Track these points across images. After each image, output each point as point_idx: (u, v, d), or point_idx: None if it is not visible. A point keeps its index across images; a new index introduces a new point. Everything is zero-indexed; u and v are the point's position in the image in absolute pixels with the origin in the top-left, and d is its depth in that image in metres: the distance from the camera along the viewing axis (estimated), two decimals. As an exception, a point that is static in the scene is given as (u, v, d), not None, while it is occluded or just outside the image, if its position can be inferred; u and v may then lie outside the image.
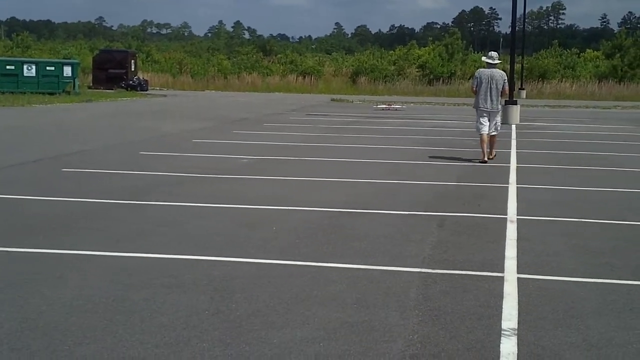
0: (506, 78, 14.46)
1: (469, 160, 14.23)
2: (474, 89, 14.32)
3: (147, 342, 4.58)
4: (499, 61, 14.79)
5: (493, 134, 14.35)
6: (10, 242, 7.09)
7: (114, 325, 4.87)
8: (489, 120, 14.18)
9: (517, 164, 13.82)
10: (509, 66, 26.09)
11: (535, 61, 56.37)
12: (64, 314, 5.06)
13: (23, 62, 36.71)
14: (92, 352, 4.41)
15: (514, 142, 17.90)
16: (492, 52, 14.80)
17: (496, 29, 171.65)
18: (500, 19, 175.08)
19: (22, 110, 26.69)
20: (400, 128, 22.19)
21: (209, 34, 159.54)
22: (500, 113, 14.60)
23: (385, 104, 34.11)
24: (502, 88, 14.15)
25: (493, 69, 14.20)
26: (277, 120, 24.38)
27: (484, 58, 14.73)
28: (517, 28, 26.51)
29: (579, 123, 25.73)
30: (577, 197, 10.46)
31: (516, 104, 24.83)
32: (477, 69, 15.49)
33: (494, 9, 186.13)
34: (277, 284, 5.88)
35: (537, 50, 70.70)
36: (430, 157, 14.86)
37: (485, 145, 14.17)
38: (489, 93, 14.05)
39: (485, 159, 14.09)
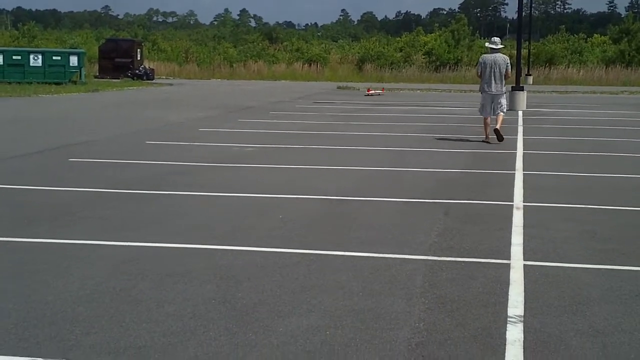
0: (509, 62, 15.15)
1: (475, 142, 14.21)
2: (479, 73, 15.17)
3: (154, 331, 4.60)
4: (502, 46, 15.50)
5: (500, 114, 15.00)
6: (17, 232, 7.12)
7: (120, 314, 4.89)
8: (492, 103, 15.00)
9: (523, 150, 13.79)
10: (515, 52, 25.97)
11: (542, 47, 56.14)
12: (71, 304, 5.08)
13: (29, 52, 36.75)
14: (99, 341, 4.43)
15: (520, 129, 17.85)
16: (495, 38, 15.62)
17: (503, 14, 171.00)
18: (506, 4, 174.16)
19: (29, 100, 26.73)
20: (407, 115, 22.16)
21: (215, 22, 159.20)
22: (505, 95, 15.33)
23: (369, 90, 34.15)
24: (505, 71, 14.90)
25: (496, 54, 15.02)
26: (283, 109, 24.36)
27: (487, 44, 15.71)
28: (523, 13, 26.37)
29: (586, 109, 25.64)
30: (584, 184, 10.44)
31: (523, 90, 24.74)
32: (481, 54, 16.12)
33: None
34: (283, 272, 5.89)
35: (544, 36, 70.44)
36: (436, 144, 14.84)
37: (488, 128, 14.99)
38: (492, 77, 14.86)
39: (488, 138, 14.91)
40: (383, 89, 35.55)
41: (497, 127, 14.80)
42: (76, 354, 4.24)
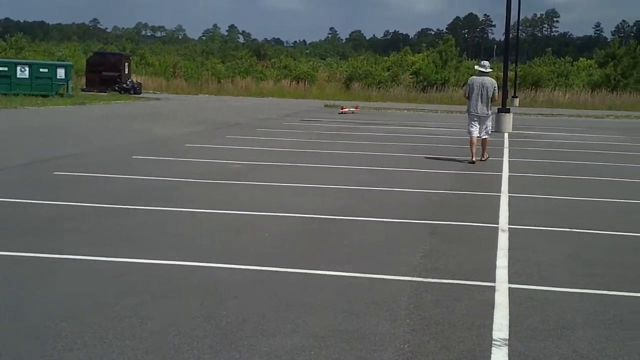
0: (496, 85, 15.62)
1: (461, 163, 14.26)
2: (466, 95, 15.55)
3: (138, 349, 4.57)
4: (491, 70, 16.02)
5: (484, 137, 15.54)
6: (0, 244, 7.06)
7: (104, 330, 4.85)
8: (479, 124, 15.44)
9: (509, 172, 13.85)
10: (502, 74, 26.13)
11: (529, 69, 56.59)
12: (54, 319, 5.04)
13: (16, 64, 36.63)
14: (82, 357, 4.40)
15: (506, 151, 17.93)
16: (485, 62, 16.12)
17: (490, 35, 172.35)
18: (494, 25, 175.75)
19: (15, 112, 26.63)
20: (394, 135, 22.21)
21: (204, 38, 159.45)
22: (490, 118, 15.77)
23: (342, 108, 34.57)
24: (492, 95, 15.36)
25: (484, 77, 15.44)
26: (270, 126, 24.38)
27: (476, 67, 16.02)
28: (510, 35, 26.57)
29: (572, 132, 25.80)
30: (570, 207, 10.48)
31: (509, 112, 24.88)
32: (470, 76, 16.49)
33: (488, 15, 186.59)
34: (267, 290, 5.87)
35: (531, 58, 70.99)
36: (423, 164, 14.88)
37: (474, 148, 15.31)
38: (479, 99, 15.27)
39: (474, 159, 15.20)
40: (357, 107, 35.75)
41: (482, 157, 15.48)
42: (58, 371, 4.21)
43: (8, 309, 5.22)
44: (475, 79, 15.50)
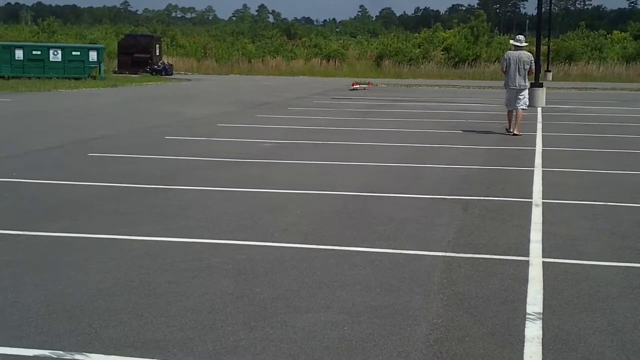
0: (532, 59, 16.03)
1: (494, 138, 14.17)
2: (504, 69, 15.91)
3: (172, 325, 4.62)
4: (526, 44, 16.36)
5: (522, 108, 15.84)
6: (36, 226, 7.16)
7: (139, 308, 4.91)
8: (516, 97, 15.74)
9: (542, 147, 13.72)
10: (535, 48, 25.82)
11: (562, 43, 55.78)
12: (90, 297, 5.11)
13: (49, 47, 36.92)
14: (118, 335, 4.46)
15: (539, 125, 17.76)
16: (520, 35, 16.55)
17: (522, 10, 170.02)
18: (526, 0, 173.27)
19: (49, 95, 26.89)
20: (425, 111, 22.10)
21: (233, 18, 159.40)
22: (527, 90, 16.04)
23: (353, 84, 34.52)
24: (529, 68, 15.76)
25: (520, 51, 15.83)
26: (301, 104, 24.37)
27: (511, 41, 16.46)
28: (543, 9, 26.23)
29: (606, 105, 25.47)
30: (604, 181, 10.37)
31: (542, 87, 24.60)
32: (505, 51, 17.30)
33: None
34: (300, 268, 5.90)
35: (564, 32, 70.04)
36: (455, 140, 14.79)
37: (512, 118, 15.88)
38: (517, 72, 15.63)
39: (511, 129, 15.74)
40: (369, 83, 35.67)
41: (516, 131, 15.68)
42: (95, 347, 4.27)
43: (45, 289, 5.30)
44: (511, 53, 15.88)
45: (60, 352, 4.19)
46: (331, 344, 4.38)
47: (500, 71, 17.21)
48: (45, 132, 15.37)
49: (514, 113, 15.82)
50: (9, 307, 4.90)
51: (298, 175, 10.49)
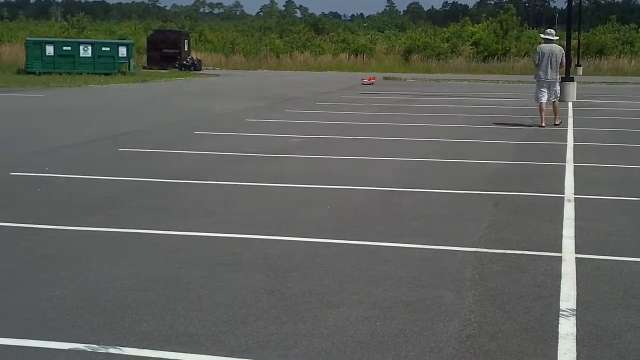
0: (564, 52, 16.62)
1: (525, 133, 14.07)
2: (536, 62, 16.24)
3: (205, 320, 4.64)
4: (557, 37, 16.90)
5: (553, 100, 16.26)
6: (69, 220, 7.23)
7: (172, 302, 4.94)
8: (548, 90, 16.13)
9: (574, 142, 13.60)
10: (565, 42, 25.57)
11: (592, 37, 55.17)
12: (123, 291, 5.15)
13: (79, 43, 37.20)
14: (152, 328, 4.49)
15: (570, 120, 17.59)
16: (550, 30, 16.95)
17: (551, 4, 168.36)
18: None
19: (79, 91, 27.11)
20: (454, 106, 22.00)
21: (261, 13, 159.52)
22: (558, 82, 16.53)
23: (364, 79, 34.55)
24: (560, 61, 16.20)
25: (552, 45, 16.23)
26: (329, 99, 24.35)
27: (542, 35, 16.90)
28: (573, 3, 25.95)
29: (638, 100, 25.17)
30: (636, 176, 10.26)
31: (573, 81, 24.33)
32: (536, 45, 18.30)
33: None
34: (331, 262, 5.90)
35: (594, 26, 69.21)
36: (485, 134, 14.71)
37: (543, 113, 16.08)
38: (549, 65, 15.98)
39: (543, 124, 15.93)
40: (373, 77, 35.46)
41: (556, 121, 16.16)
42: (129, 341, 4.30)
43: (79, 283, 5.35)
44: (544, 46, 16.20)
45: (95, 345, 4.23)
46: (363, 339, 4.38)
47: (531, 65, 17.93)
48: (76, 127, 15.50)
49: (551, 106, 16.21)
50: (44, 301, 4.95)
51: (328, 170, 10.49)
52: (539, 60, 16.06)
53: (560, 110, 16.59)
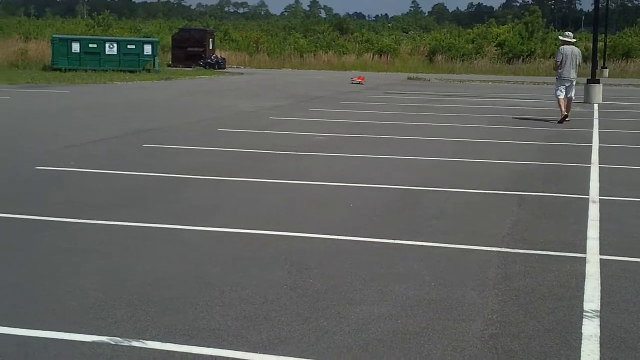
0: (581, 53, 17.99)
1: (549, 134, 13.98)
2: (559, 62, 17.30)
3: (227, 315, 4.65)
4: (575, 40, 18.25)
5: (572, 98, 17.46)
6: (93, 214, 7.27)
7: (194, 297, 4.96)
8: (567, 88, 17.25)
9: (599, 143, 13.48)
10: (591, 44, 25.39)
11: (619, 39, 54.69)
12: (146, 285, 5.17)
13: (105, 41, 37.44)
14: (174, 322, 4.50)
15: (596, 122, 17.45)
16: (568, 32, 18.63)
17: (577, 6, 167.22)
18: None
19: (105, 88, 27.28)
20: (478, 106, 21.89)
21: (285, 13, 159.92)
22: (575, 81, 17.65)
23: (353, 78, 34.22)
24: (579, 62, 17.51)
25: (572, 46, 17.50)
26: (353, 98, 24.33)
27: (561, 37, 18.35)
28: (599, 5, 25.75)
29: (664, 103, 24.90)
30: (663, 178, 10.15)
31: (599, 83, 24.17)
32: (559, 47, 18.38)
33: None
34: (353, 260, 5.89)
35: (621, 29, 68.64)
36: (509, 135, 14.62)
37: (563, 106, 17.17)
38: (572, 66, 17.18)
39: (565, 113, 17.04)
40: (362, 77, 35.07)
41: (567, 112, 17.18)
42: (152, 335, 4.32)
43: (103, 276, 5.38)
44: (566, 48, 17.31)
45: (118, 338, 4.25)
46: (385, 337, 4.37)
47: (553, 65, 18.77)
48: (101, 123, 15.59)
49: (566, 101, 17.21)
50: (68, 294, 4.98)
51: (351, 168, 10.48)
52: (562, 60, 17.12)
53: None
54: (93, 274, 5.40)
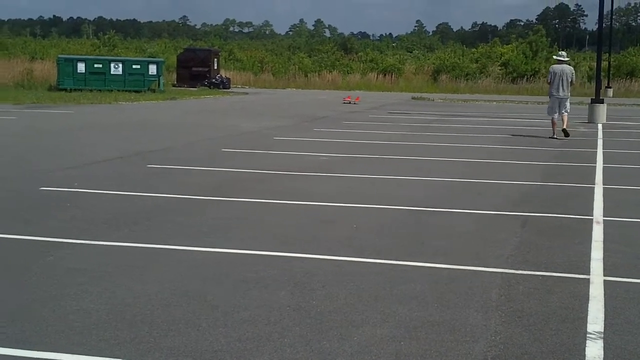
0: (574, 72, 18.78)
1: (552, 154, 13.98)
2: (549, 81, 18.45)
3: (230, 336, 4.65)
4: (568, 59, 19.13)
5: (564, 113, 18.15)
6: (97, 235, 7.29)
7: (197, 318, 4.96)
8: (559, 105, 18.16)
9: (603, 163, 13.49)
10: (595, 64, 25.43)
11: (623, 59, 54.76)
12: (149, 307, 5.18)
13: (110, 61, 37.60)
14: (177, 344, 4.50)
15: (600, 142, 17.47)
16: (562, 52, 19.68)
17: (582, 26, 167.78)
18: (586, 15, 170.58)
19: (110, 108, 27.39)
20: (482, 127, 21.91)
21: (290, 32, 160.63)
22: (569, 99, 18.39)
23: (345, 98, 34.04)
24: (571, 80, 18.26)
25: (563, 65, 18.35)
26: (357, 118, 24.37)
27: (555, 56, 19.27)
28: (604, 25, 25.83)
29: (668, 122, 24.89)
30: (667, 199, 10.14)
31: (603, 103, 24.19)
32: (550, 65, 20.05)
33: (580, 5, 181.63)
34: (356, 281, 5.89)
35: (625, 48, 68.77)
36: (513, 155, 14.63)
37: (555, 126, 18.16)
38: (560, 84, 18.11)
39: (555, 135, 17.99)
40: (358, 97, 35.02)
41: (564, 127, 17.89)
42: (155, 356, 4.32)
43: (106, 297, 5.39)
44: (555, 67, 18.40)
45: None
46: (387, 359, 4.36)
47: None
48: (105, 143, 15.64)
49: (560, 118, 18.05)
50: (71, 314, 4.99)
51: (354, 188, 10.49)
52: (551, 79, 18.28)
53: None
54: (96, 295, 5.41)
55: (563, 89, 18.15)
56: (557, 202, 9.65)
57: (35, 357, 4.29)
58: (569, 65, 18.97)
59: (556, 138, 17.79)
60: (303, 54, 65.27)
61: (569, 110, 18.42)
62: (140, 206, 8.91)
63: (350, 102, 33.01)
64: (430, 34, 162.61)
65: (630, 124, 24.00)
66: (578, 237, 7.58)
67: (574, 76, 18.83)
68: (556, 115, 18.13)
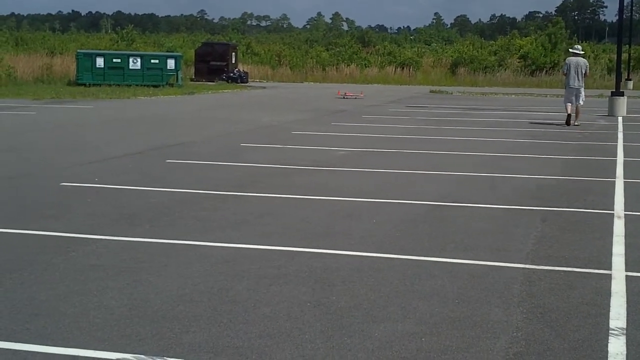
0: (587, 65, 20.20)
1: (573, 148, 13.90)
2: (564, 73, 19.88)
3: (251, 332, 4.66)
4: (583, 52, 20.59)
5: (578, 104, 19.50)
6: (118, 231, 7.33)
7: (218, 314, 4.97)
8: (574, 96, 19.44)
9: (624, 157, 13.38)
10: (615, 56, 25.23)
11: (644, 50, 54.29)
12: (171, 302, 5.20)
13: (129, 56, 37.69)
14: (198, 340, 4.52)
15: (620, 135, 17.33)
16: (577, 45, 21.22)
17: (601, 17, 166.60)
18: (606, 7, 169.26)
19: (128, 102, 27.48)
20: (501, 120, 21.81)
21: (308, 26, 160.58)
22: (583, 88, 19.66)
23: (344, 93, 33.44)
24: (585, 72, 19.62)
25: (577, 57, 19.66)
26: (375, 112, 24.33)
27: (570, 49, 20.83)
28: (624, 16, 25.59)
29: (690, 115, 24.67)
30: (689, 193, 10.05)
31: (623, 95, 23.98)
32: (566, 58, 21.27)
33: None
34: (377, 277, 5.88)
35: (645, 39, 68.16)
36: (532, 149, 14.55)
37: (569, 110, 19.39)
38: (576, 75, 19.42)
39: (570, 122, 19.28)
40: (362, 92, 34.46)
41: (574, 117, 19.36)
42: (176, 352, 4.34)
43: (127, 293, 5.42)
44: (571, 59, 19.75)
45: (142, 356, 4.27)
46: (408, 355, 4.36)
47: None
48: (125, 138, 15.71)
49: (574, 108, 19.33)
50: (93, 310, 5.02)
51: (373, 183, 10.47)
52: (567, 70, 19.63)
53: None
54: (117, 291, 5.44)
55: (578, 79, 19.40)
56: (578, 196, 9.59)
57: (57, 352, 4.32)
58: (584, 58, 20.25)
59: (568, 124, 19.16)
60: (321, 48, 65.14)
61: (584, 99, 19.75)
62: (161, 201, 8.94)
63: (344, 97, 31.94)
64: (449, 26, 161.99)
65: (651, 116, 23.78)
66: (599, 232, 7.54)
67: (588, 68, 20.17)
68: (570, 105, 19.38)
